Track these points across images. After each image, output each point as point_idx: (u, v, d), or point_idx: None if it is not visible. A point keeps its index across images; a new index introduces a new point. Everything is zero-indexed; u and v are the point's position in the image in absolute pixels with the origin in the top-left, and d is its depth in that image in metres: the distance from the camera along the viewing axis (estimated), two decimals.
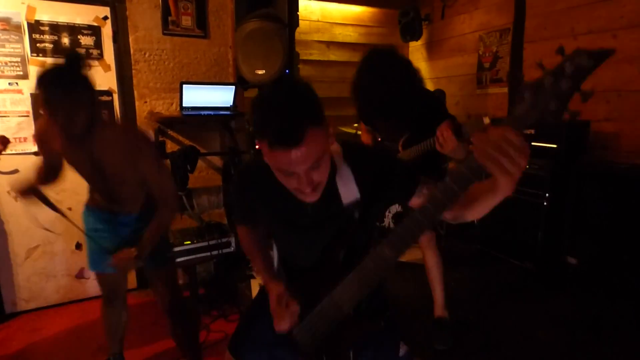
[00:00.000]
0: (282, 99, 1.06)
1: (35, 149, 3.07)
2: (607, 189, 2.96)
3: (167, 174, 2.10)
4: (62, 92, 1.66)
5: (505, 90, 4.22)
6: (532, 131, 3.54)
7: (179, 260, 3.08)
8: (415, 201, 1.28)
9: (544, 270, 3.25)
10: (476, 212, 1.16)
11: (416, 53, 5.54)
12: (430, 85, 5.16)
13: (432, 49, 5.29)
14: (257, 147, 1.17)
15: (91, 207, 2.17)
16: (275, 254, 1.54)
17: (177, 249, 3.06)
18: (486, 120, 2.06)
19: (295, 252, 1.44)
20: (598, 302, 2.80)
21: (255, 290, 3.09)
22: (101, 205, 2.12)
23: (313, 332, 1.31)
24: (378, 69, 2.19)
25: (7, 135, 2.98)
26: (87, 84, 1.74)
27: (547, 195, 3.19)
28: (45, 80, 1.66)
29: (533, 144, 3.31)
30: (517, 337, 2.57)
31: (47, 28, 3.02)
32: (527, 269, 3.32)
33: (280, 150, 1.04)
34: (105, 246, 2.09)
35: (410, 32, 5.07)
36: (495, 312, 2.85)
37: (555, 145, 3.20)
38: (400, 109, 2.24)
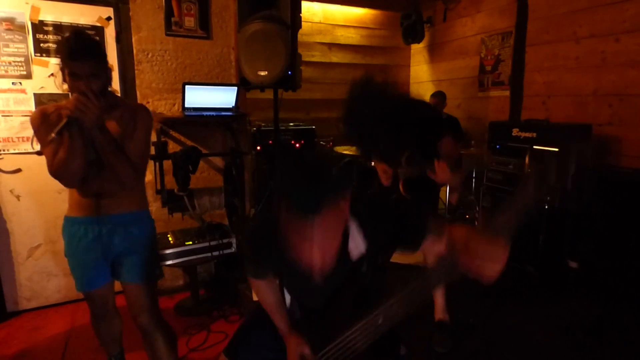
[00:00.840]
0: (304, 171, 1.11)
1: (38, 148, 3.08)
2: (608, 192, 2.96)
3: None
4: (90, 54, 1.73)
5: (507, 93, 4.22)
6: (534, 134, 3.54)
7: (180, 260, 3.08)
8: (430, 245, 1.30)
9: (545, 274, 3.25)
10: None
11: (418, 55, 5.55)
12: (431, 88, 5.17)
13: (434, 52, 5.30)
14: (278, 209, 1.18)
15: (75, 217, 1.97)
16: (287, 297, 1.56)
17: (178, 249, 3.07)
18: (487, 159, 2.08)
19: (305, 299, 1.47)
20: (599, 305, 2.80)
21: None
22: (90, 210, 1.93)
23: None
24: (370, 108, 2.15)
25: (10, 135, 3.01)
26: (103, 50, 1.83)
27: (548, 199, 3.18)
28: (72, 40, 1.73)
29: (535, 147, 3.31)
30: (518, 341, 2.57)
31: (50, 28, 3.03)
32: (528, 273, 3.31)
33: (297, 217, 1.06)
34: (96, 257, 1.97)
35: (412, 35, 5.08)
36: (496, 316, 2.85)
37: (557, 149, 3.20)
38: (397, 140, 2.24)
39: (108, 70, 1.86)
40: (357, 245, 1.28)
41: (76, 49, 1.70)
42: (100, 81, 1.77)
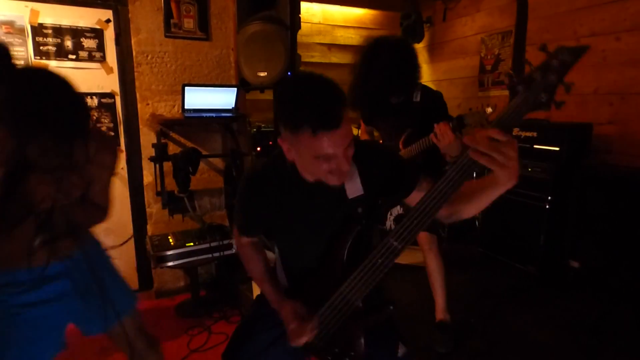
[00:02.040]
0: (315, 87, 1.15)
1: None
2: (610, 192, 2.95)
3: None
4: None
5: (507, 92, 4.20)
6: (534, 134, 3.54)
7: (181, 261, 3.08)
8: (416, 195, 1.32)
9: (546, 274, 3.24)
10: (475, 206, 1.20)
11: (418, 55, 5.54)
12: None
13: (434, 52, 5.29)
14: (282, 145, 1.20)
15: None
16: (277, 260, 1.55)
17: (178, 250, 3.07)
18: (488, 110, 2.09)
19: (299, 252, 1.45)
20: (601, 305, 2.79)
21: (256, 292, 3.09)
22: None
23: (323, 327, 1.33)
24: (385, 60, 2.21)
25: None
26: None
27: (549, 198, 3.17)
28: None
29: (535, 146, 3.30)
30: (519, 341, 2.56)
31: (50, 31, 3.04)
32: (529, 273, 3.30)
33: (324, 133, 1.09)
34: None
35: (412, 35, 5.06)
36: (497, 316, 2.84)
37: (557, 148, 3.19)
38: (405, 101, 2.28)
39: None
40: (353, 185, 1.32)
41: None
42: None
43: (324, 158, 1.14)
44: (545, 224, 3.20)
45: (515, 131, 3.45)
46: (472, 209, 1.21)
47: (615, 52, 3.23)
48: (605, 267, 2.96)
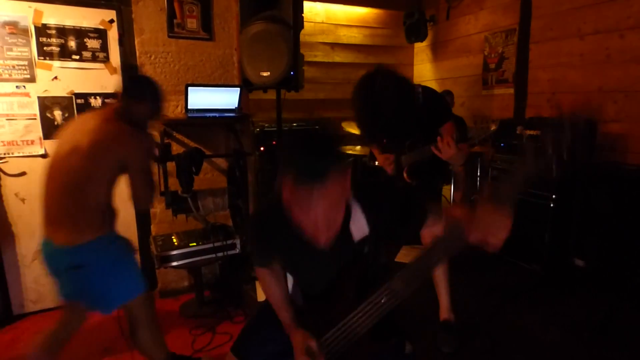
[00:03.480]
0: (310, 142, 1.21)
1: (42, 151, 3.09)
2: (614, 190, 2.93)
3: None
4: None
5: (511, 91, 4.20)
6: (538, 132, 3.52)
7: (185, 261, 3.08)
8: (424, 232, 1.33)
9: (551, 273, 3.23)
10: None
11: (421, 54, 5.53)
12: (435, 87, 5.14)
13: (437, 50, 5.28)
14: (282, 187, 1.21)
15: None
16: (290, 283, 1.59)
17: (182, 250, 3.07)
18: (492, 128, 2.09)
19: (309, 287, 1.49)
20: (606, 304, 2.77)
21: (260, 292, 3.09)
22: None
23: (328, 351, 1.36)
24: (382, 92, 2.19)
25: (15, 138, 3.02)
26: None
27: (554, 196, 3.16)
28: None
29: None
30: (524, 340, 2.55)
31: (54, 31, 3.04)
32: (534, 271, 3.29)
33: (303, 186, 1.10)
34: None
35: (415, 33, 5.06)
36: (502, 315, 2.83)
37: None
38: (407, 126, 2.28)
39: None
40: (360, 228, 1.33)
41: None
42: None
43: (304, 211, 1.15)
44: (550, 223, 3.20)
45: (519, 129, 3.44)
46: None
47: (619, 49, 3.21)
48: (610, 266, 2.94)
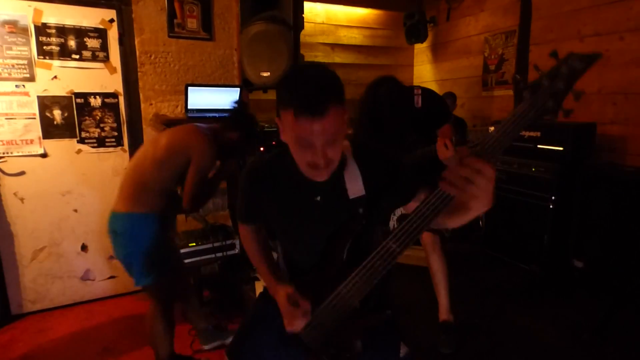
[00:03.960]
0: (311, 74, 1.17)
1: (42, 150, 3.09)
2: (613, 191, 2.94)
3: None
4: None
5: (511, 92, 4.20)
6: (538, 134, 3.53)
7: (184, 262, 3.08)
8: (413, 206, 1.32)
9: (550, 274, 3.23)
10: (455, 223, 1.18)
11: (421, 55, 5.53)
12: (435, 88, 5.15)
13: (438, 51, 5.28)
14: (277, 123, 1.23)
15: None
16: (279, 256, 1.55)
17: (181, 250, 3.06)
18: (491, 129, 2.12)
19: (300, 249, 1.46)
20: (605, 305, 2.77)
21: (259, 292, 3.08)
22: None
23: (320, 327, 1.33)
24: (378, 96, 2.32)
25: (14, 138, 3.01)
26: None
27: (553, 198, 3.17)
28: None
29: (539, 146, 3.30)
30: (523, 341, 2.55)
31: (53, 31, 3.04)
32: (534, 272, 3.30)
33: (304, 119, 1.11)
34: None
35: (416, 35, 5.06)
36: (501, 316, 2.83)
37: (561, 148, 3.18)
38: (401, 128, 2.40)
39: None
40: (355, 185, 1.32)
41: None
42: None
43: (303, 145, 1.17)
44: (549, 224, 3.20)
45: None
46: (453, 224, 1.20)
47: (619, 51, 3.22)
48: (609, 267, 2.95)
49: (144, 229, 2.14)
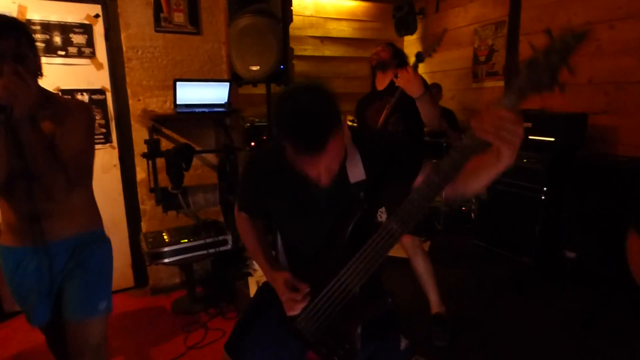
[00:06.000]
0: (306, 106, 1.11)
1: None
2: (605, 182, 2.95)
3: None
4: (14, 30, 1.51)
5: (502, 83, 4.20)
6: (529, 124, 3.53)
7: (176, 258, 3.06)
8: (420, 180, 1.30)
9: (542, 265, 3.24)
10: (478, 184, 1.19)
11: (411, 47, 5.51)
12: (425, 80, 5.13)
13: (427, 43, 5.26)
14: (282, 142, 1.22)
15: (10, 246, 1.63)
16: (279, 250, 1.56)
17: (173, 247, 3.05)
18: (442, 29, 2.18)
19: (301, 237, 1.46)
20: (596, 296, 2.79)
21: (252, 287, 3.08)
22: (25, 239, 1.58)
23: (318, 317, 1.34)
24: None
25: None
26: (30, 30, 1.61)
27: (544, 189, 3.17)
28: None
29: (530, 137, 3.30)
30: (516, 332, 2.56)
31: (38, 27, 2.98)
32: (525, 264, 3.31)
33: (304, 154, 1.12)
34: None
35: (405, 26, 5.03)
36: (493, 307, 2.84)
37: (552, 139, 3.19)
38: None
39: (38, 58, 1.54)
40: (356, 170, 1.33)
41: None
42: (30, 66, 1.45)
43: (304, 167, 1.17)
44: (540, 215, 3.21)
45: None
46: (475, 187, 1.21)
47: (609, 41, 3.21)
48: (600, 258, 2.96)
49: None
